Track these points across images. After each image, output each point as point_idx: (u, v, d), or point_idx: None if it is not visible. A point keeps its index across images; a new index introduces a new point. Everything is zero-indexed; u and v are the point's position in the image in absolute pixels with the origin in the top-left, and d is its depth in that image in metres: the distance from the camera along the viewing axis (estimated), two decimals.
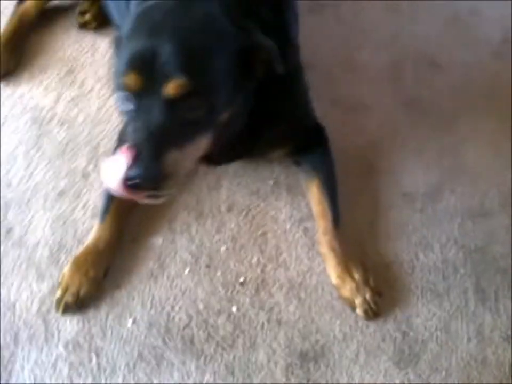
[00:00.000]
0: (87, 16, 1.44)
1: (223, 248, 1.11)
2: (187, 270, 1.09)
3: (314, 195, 1.08)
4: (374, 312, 0.97)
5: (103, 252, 1.07)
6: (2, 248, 1.12)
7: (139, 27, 0.81)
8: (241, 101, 0.86)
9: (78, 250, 1.08)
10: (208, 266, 1.09)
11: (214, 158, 1.02)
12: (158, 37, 0.77)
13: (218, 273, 1.08)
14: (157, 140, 0.76)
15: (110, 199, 1.10)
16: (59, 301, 1.02)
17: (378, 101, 1.30)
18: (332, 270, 1.02)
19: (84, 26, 1.44)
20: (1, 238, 1.14)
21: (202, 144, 0.83)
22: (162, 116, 0.76)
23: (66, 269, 1.05)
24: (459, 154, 1.22)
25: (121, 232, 1.11)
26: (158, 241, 1.13)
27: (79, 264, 1.05)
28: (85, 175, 1.23)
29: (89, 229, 1.14)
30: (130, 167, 0.74)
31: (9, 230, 1.16)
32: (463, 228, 1.11)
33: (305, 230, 1.12)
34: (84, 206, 1.19)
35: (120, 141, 1.14)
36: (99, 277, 1.05)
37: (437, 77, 1.36)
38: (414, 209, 1.13)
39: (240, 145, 0.99)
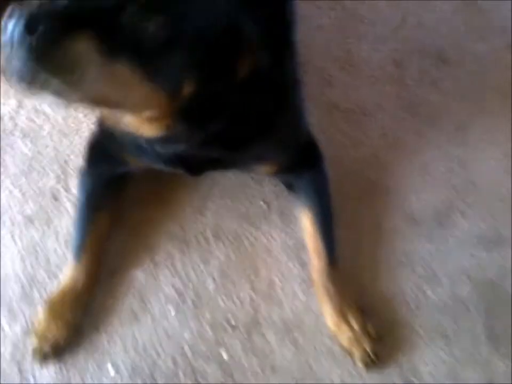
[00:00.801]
0: None
1: (210, 283, 1.03)
2: (172, 309, 1.01)
3: (307, 229, 0.99)
4: (374, 362, 0.91)
5: (81, 294, 0.98)
6: None
7: None
8: (219, 83, 0.74)
9: (52, 291, 0.99)
10: (195, 304, 1.01)
11: (193, 163, 0.93)
12: None
13: (206, 313, 1.00)
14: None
15: (84, 233, 1.00)
16: (36, 351, 0.94)
17: (379, 106, 1.19)
18: (328, 315, 0.95)
19: None
20: None
21: (137, 76, 0.62)
22: None
23: (41, 313, 0.97)
24: (470, 168, 1.13)
25: (99, 269, 1.02)
26: (139, 275, 1.04)
27: (55, 308, 0.96)
28: (54, 196, 1.13)
29: (62, 259, 1.06)
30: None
31: None
32: (475, 258, 1.03)
33: (301, 261, 1.04)
34: (55, 232, 1.09)
35: (89, 153, 1.04)
36: (78, 321, 0.97)
37: (445, 75, 1.23)
38: (420, 236, 1.05)
39: (223, 150, 0.89)
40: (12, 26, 0.53)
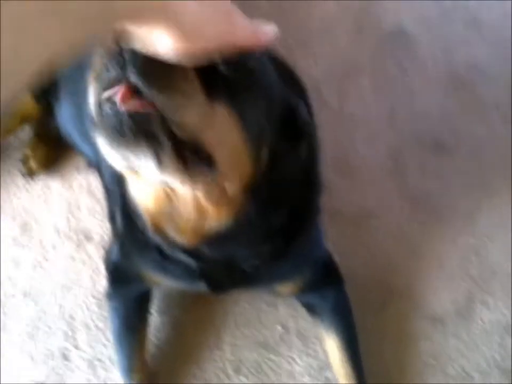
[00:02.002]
0: (31, 163, 1.69)
1: None
2: None
3: (334, 353, 1.28)
4: None
5: None
6: None
7: None
8: (287, 163, 0.93)
9: None
10: None
11: (220, 277, 1.14)
12: None
13: None
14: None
15: (131, 355, 1.33)
16: None
17: (384, 205, 1.54)
18: None
19: (29, 174, 1.69)
20: None
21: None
22: None
23: None
24: (484, 256, 1.45)
25: None
26: None
27: None
28: (65, 356, 1.44)
29: None
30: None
31: None
32: (503, 347, 1.33)
33: (327, 380, 1.34)
34: None
35: (110, 276, 1.36)
36: None
37: (445, 163, 1.60)
38: (445, 335, 1.35)
39: (268, 248, 1.08)
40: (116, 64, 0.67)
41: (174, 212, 0.90)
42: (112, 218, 1.20)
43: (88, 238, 1.57)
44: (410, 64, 1.79)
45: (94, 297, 1.51)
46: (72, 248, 1.58)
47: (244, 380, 1.36)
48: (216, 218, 0.89)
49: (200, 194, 0.84)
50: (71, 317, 1.49)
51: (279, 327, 1.41)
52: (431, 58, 1.79)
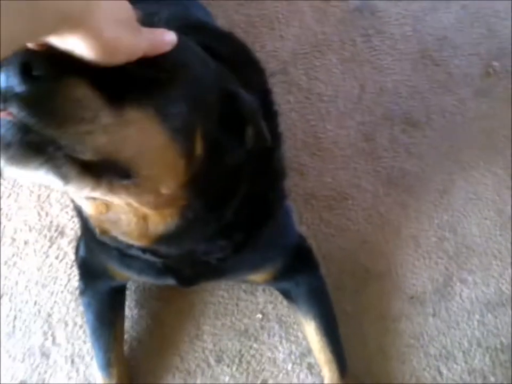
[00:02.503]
0: None
1: None
2: None
3: (313, 339, 1.26)
4: None
5: None
6: None
7: None
8: (228, 151, 0.88)
9: None
10: None
11: (187, 271, 1.13)
12: None
13: None
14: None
15: (107, 349, 1.30)
16: None
17: (358, 186, 1.51)
18: None
19: None
20: None
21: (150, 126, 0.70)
22: None
23: None
24: (460, 233, 1.43)
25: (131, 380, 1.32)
26: None
27: None
28: (45, 354, 1.41)
29: None
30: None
31: None
32: (483, 324, 1.32)
33: (310, 366, 1.32)
34: None
35: (80, 272, 1.36)
36: None
37: (417, 139, 1.57)
38: (425, 314, 1.34)
39: (226, 243, 1.05)
40: (4, 77, 0.57)
41: (116, 218, 0.85)
42: (78, 215, 1.18)
43: (62, 233, 1.52)
44: (378, 40, 1.74)
45: (70, 293, 1.47)
46: (45, 244, 1.53)
47: (226, 369, 1.34)
48: (159, 220, 0.85)
49: (132, 201, 0.78)
50: (48, 314, 1.45)
51: (258, 315, 1.39)
52: (399, 34, 1.75)
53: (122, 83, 0.66)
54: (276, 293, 1.38)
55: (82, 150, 0.61)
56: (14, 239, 1.55)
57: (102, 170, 0.66)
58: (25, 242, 1.55)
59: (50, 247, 1.53)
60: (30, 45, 0.61)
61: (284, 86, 1.69)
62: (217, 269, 1.14)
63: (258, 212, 1.05)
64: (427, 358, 1.29)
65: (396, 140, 1.57)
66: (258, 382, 1.32)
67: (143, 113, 0.68)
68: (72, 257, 1.50)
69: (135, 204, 0.79)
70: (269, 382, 1.32)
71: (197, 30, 1.10)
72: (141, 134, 0.68)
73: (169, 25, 1.07)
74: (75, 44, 0.59)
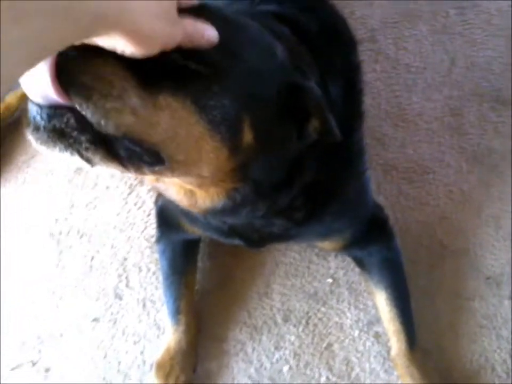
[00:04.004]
0: None
1: (285, 368, 1.26)
2: None
3: (383, 310, 1.20)
4: None
5: (188, 354, 1.26)
6: None
7: None
8: (284, 143, 0.85)
9: (159, 356, 1.25)
10: None
11: (252, 236, 1.11)
12: None
13: None
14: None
15: (177, 297, 1.28)
16: None
17: (441, 161, 1.42)
18: None
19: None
20: (42, 379, 1.33)
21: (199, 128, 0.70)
22: None
23: (153, 378, 1.24)
24: None
25: (198, 330, 1.30)
26: (212, 366, 1.29)
27: (166, 371, 1.24)
28: (118, 295, 1.40)
29: (133, 359, 1.32)
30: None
31: (47, 370, 1.34)
32: None
33: (377, 335, 1.26)
34: (123, 333, 1.36)
35: (157, 220, 1.35)
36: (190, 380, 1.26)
37: (506, 119, 1.45)
38: (501, 296, 1.25)
39: (287, 224, 1.06)
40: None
41: (165, 188, 0.89)
42: None
43: (141, 182, 1.50)
44: (473, 13, 1.62)
45: (146, 240, 1.46)
46: (125, 191, 1.52)
47: (292, 329, 1.30)
48: (205, 196, 0.85)
49: (180, 181, 0.81)
50: (124, 258, 1.45)
51: (329, 279, 1.33)
52: (495, 8, 1.62)
53: (163, 71, 0.65)
54: (348, 259, 1.32)
55: (107, 126, 0.61)
56: (96, 184, 1.54)
57: (130, 155, 0.65)
58: (107, 188, 1.54)
59: (129, 194, 1.51)
60: None
61: (370, 54, 1.60)
62: (282, 235, 1.12)
63: (324, 193, 1.03)
64: (499, 340, 1.21)
65: (484, 117, 1.47)
66: (324, 345, 1.27)
67: (179, 102, 0.67)
68: (150, 205, 1.48)
69: (180, 181, 0.81)
70: (334, 346, 1.26)
71: None
72: (174, 121, 0.67)
73: None
74: (115, 42, 0.59)
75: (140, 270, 1.42)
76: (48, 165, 1.59)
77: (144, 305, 1.38)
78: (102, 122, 0.60)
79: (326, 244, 1.26)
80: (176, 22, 0.64)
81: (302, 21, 0.99)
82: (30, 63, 0.50)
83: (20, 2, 0.44)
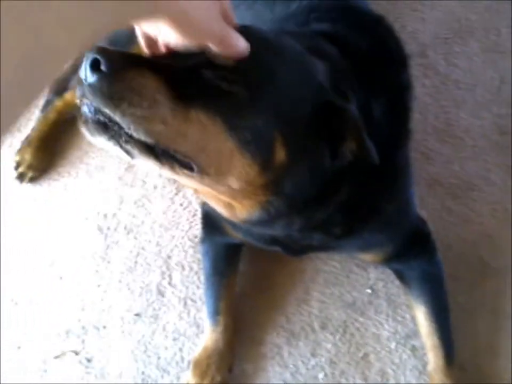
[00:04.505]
0: (21, 169, 1.66)
1: (321, 375, 1.26)
2: None
3: (422, 324, 1.19)
4: None
5: (225, 354, 1.28)
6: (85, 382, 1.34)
7: None
8: (319, 162, 0.85)
9: (196, 355, 1.27)
10: None
11: (292, 245, 1.13)
12: None
13: None
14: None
15: (217, 298, 1.30)
16: None
17: (486, 178, 1.40)
18: None
19: (20, 178, 1.66)
20: (83, 368, 1.36)
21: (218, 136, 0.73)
22: None
23: (190, 376, 1.26)
24: None
25: (236, 332, 1.31)
26: (248, 368, 1.30)
27: (202, 370, 1.26)
28: (161, 292, 1.42)
29: (172, 355, 1.34)
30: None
31: (89, 359, 1.38)
32: None
33: (413, 349, 1.25)
34: (164, 329, 1.38)
35: (203, 222, 1.36)
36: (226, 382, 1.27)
37: None
38: None
39: (326, 237, 1.07)
40: (84, 66, 0.67)
41: (205, 198, 0.93)
42: None
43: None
44: None
45: (190, 239, 1.48)
46: (172, 191, 1.55)
47: (329, 336, 1.30)
48: (241, 208, 0.87)
49: (215, 192, 0.84)
50: (168, 256, 1.47)
51: (368, 290, 1.33)
52: None
53: (197, 87, 0.71)
54: (388, 271, 1.31)
55: (137, 131, 0.67)
56: (144, 182, 1.57)
57: (163, 155, 0.71)
58: (154, 187, 1.56)
59: (176, 194, 1.54)
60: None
61: (420, 69, 1.59)
62: (321, 247, 1.14)
63: (365, 210, 1.03)
64: None
65: None
66: (360, 354, 1.27)
67: (209, 118, 0.71)
68: (195, 207, 1.51)
69: (217, 193, 0.84)
70: (370, 357, 1.26)
71: (343, 14, 1.06)
72: (203, 135, 0.71)
73: (308, 11, 1.02)
74: (160, 29, 0.66)
75: (183, 268, 1.44)
76: (100, 161, 1.63)
77: (185, 304, 1.40)
78: (132, 128, 0.67)
79: (367, 256, 1.26)
80: (220, 20, 0.68)
81: (352, 39, 0.99)
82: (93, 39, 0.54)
83: None
